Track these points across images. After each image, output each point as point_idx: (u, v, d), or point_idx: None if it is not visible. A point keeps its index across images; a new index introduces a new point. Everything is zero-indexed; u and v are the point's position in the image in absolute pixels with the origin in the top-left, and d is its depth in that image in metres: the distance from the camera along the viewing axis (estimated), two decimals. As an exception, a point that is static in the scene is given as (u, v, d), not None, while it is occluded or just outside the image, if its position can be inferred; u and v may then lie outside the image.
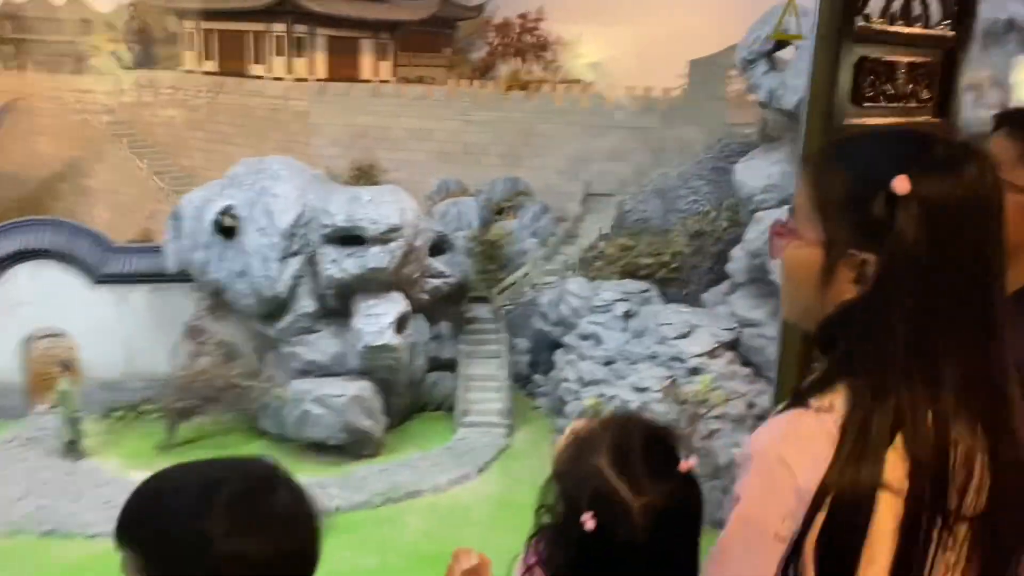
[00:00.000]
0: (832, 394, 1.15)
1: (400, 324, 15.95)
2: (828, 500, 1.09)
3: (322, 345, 16.20)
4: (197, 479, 1.20)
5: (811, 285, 1.22)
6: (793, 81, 17.70)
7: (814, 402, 1.15)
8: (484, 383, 18.07)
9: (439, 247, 17.71)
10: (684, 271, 19.87)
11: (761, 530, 1.13)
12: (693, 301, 18.96)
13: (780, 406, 1.23)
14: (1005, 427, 1.13)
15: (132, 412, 16.86)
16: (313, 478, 15.11)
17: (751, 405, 15.66)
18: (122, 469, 15.69)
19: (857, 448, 1.09)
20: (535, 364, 19.26)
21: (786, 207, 18.52)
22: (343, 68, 35.40)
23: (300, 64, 33.63)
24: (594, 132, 23.71)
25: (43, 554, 13.30)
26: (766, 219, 17.92)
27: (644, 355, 16.72)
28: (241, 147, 26.72)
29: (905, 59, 2.03)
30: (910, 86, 2.06)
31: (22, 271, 17.08)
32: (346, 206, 15.40)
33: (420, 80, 40.10)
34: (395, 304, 15.84)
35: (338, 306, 16.21)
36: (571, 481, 1.40)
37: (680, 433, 1.53)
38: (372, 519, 14.37)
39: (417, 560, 12.83)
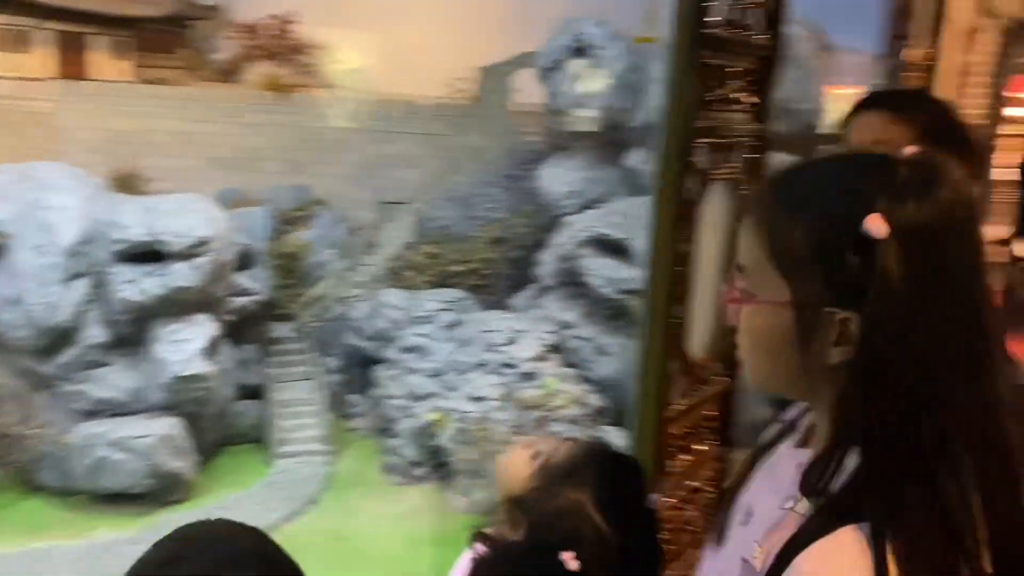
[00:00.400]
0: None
1: (210, 350, 14.19)
2: None
3: (115, 379, 14.00)
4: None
5: (785, 351, 1.05)
6: (592, 88, 18.21)
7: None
8: (298, 408, 16.65)
9: (242, 262, 16.06)
10: (491, 277, 19.71)
11: None
12: (500, 307, 18.84)
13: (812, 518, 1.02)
14: (1004, 479, 0.98)
15: None
16: (114, 534, 13.11)
17: (583, 405, 15.82)
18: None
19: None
20: (348, 383, 18.09)
21: (588, 211, 18.97)
22: (73, 66, 31.52)
23: (23, 60, 29.45)
24: (380, 138, 22.89)
25: None
26: (576, 223, 18.31)
27: (473, 364, 16.29)
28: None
29: (740, 66, 2.16)
30: (742, 92, 2.17)
31: None
32: (143, 217, 13.41)
33: (163, 81, 36.79)
34: (203, 328, 14.08)
35: (133, 333, 14.08)
36: (545, 514, 1.35)
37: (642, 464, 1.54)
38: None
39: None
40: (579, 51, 18.60)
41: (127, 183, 21.08)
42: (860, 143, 1.79)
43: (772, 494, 1.10)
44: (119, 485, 13.53)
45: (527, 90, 22.99)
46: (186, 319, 13.93)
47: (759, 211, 1.07)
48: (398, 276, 19.25)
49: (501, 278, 19.81)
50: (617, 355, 16.99)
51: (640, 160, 18.91)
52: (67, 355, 13.65)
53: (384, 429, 16.80)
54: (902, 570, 0.91)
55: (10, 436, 13.51)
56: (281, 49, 37.32)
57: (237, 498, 14.59)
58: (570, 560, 1.27)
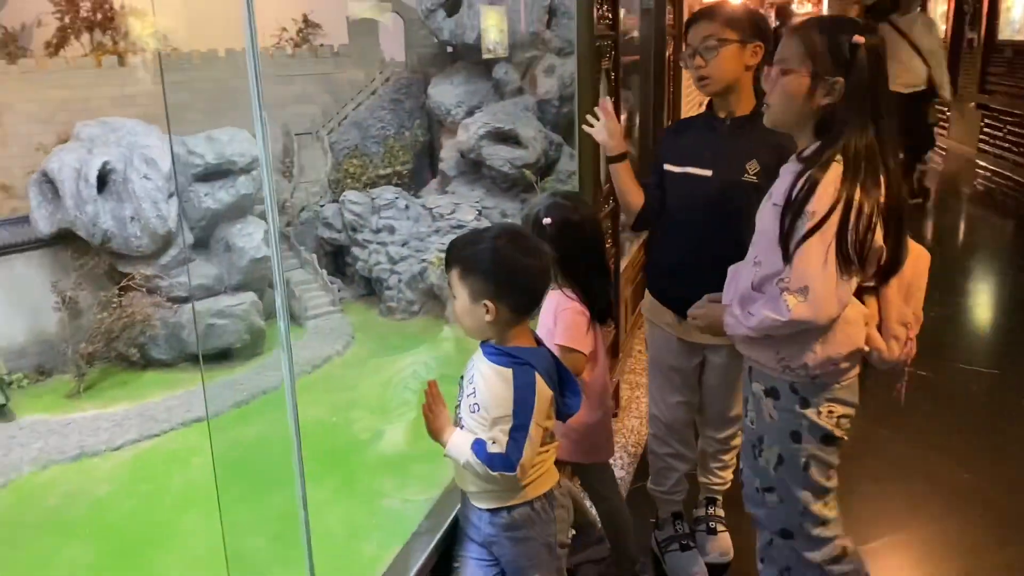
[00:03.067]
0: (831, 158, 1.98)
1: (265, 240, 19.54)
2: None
3: (202, 271, 19.00)
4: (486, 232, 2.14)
5: (800, 98, 2.05)
6: (470, 22, 24.74)
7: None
8: (307, 285, 22.22)
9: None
10: (407, 176, 25.98)
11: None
12: (419, 196, 25.21)
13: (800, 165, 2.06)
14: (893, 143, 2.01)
15: (29, 375, 17.67)
16: (229, 377, 18.45)
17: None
18: (55, 416, 16.91)
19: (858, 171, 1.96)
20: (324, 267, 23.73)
21: (477, 113, 25.78)
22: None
23: None
24: (279, 81, 27.78)
25: (72, 476, 14.75)
26: (471, 125, 24.91)
27: (430, 232, 22.71)
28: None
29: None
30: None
31: None
32: (210, 146, 18.41)
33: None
34: (259, 224, 19.40)
35: (204, 236, 19.12)
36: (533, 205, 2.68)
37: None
38: (314, 379, 18.33)
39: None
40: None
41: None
42: None
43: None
44: (225, 344, 18.72)
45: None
46: (246, 220, 19.18)
47: (802, 32, 2.05)
48: (340, 184, 24.89)
49: (414, 175, 26.14)
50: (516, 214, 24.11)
51: (503, 72, 25.74)
52: (166, 257, 18.44)
53: (368, 294, 22.79)
54: (852, 181, 1.94)
55: (135, 323, 18.24)
56: (100, 20, 39.36)
57: (298, 344, 20.18)
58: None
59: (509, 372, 2.07)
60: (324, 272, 22.76)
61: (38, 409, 17.15)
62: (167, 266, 18.56)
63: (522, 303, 2.12)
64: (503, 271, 2.07)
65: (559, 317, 2.57)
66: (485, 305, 2.07)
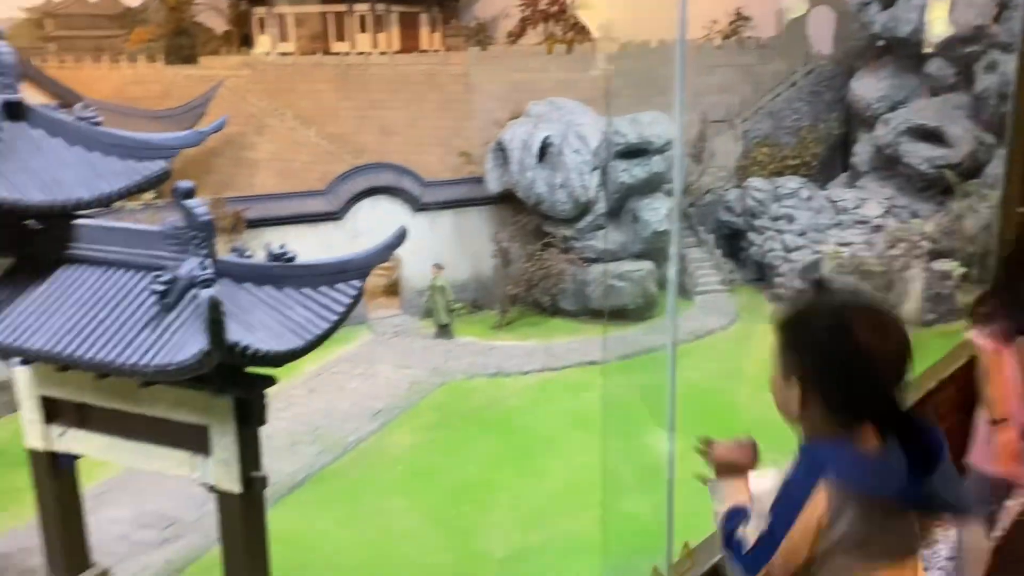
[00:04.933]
0: None
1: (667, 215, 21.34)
2: None
3: (611, 237, 21.41)
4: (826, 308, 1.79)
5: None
6: (905, 15, 23.98)
7: None
8: (700, 263, 23.68)
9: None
10: (816, 167, 26.05)
11: None
12: (825, 189, 25.07)
13: None
14: None
15: (467, 306, 21.66)
16: (621, 333, 20.47)
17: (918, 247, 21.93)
18: (482, 341, 20.57)
19: None
20: (720, 248, 24.99)
21: (900, 108, 24.81)
22: (408, 40, 39.83)
23: (380, 39, 37.88)
24: (702, 71, 29.41)
25: (490, 387, 17.96)
26: (892, 120, 24.20)
27: (830, 224, 22.76)
28: (397, 110, 31.01)
29: None
30: None
31: (363, 205, 21.41)
32: (633, 127, 20.58)
33: (456, 48, 44.98)
34: (665, 201, 21.21)
35: (616, 207, 21.46)
36: None
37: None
38: (695, 347, 19.83)
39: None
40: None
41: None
42: None
43: None
44: (621, 303, 20.92)
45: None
46: (654, 196, 21.11)
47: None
48: (746, 171, 25.86)
49: (823, 167, 26.15)
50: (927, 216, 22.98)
51: (936, 67, 24.49)
52: (584, 222, 21.16)
53: (758, 279, 23.57)
54: None
55: (551, 276, 21.19)
56: (554, 12, 44.31)
57: (684, 314, 21.79)
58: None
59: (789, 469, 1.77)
60: (719, 252, 24.03)
61: (470, 333, 20.98)
62: (583, 230, 21.26)
63: (838, 399, 1.74)
64: (824, 352, 1.74)
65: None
66: (794, 385, 1.82)
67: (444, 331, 20.51)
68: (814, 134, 26.64)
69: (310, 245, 20.34)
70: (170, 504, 12.84)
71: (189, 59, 43.82)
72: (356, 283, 8.33)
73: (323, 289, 8.22)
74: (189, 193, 7.74)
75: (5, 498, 13.37)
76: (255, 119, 32.21)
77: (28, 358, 8.08)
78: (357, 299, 8.34)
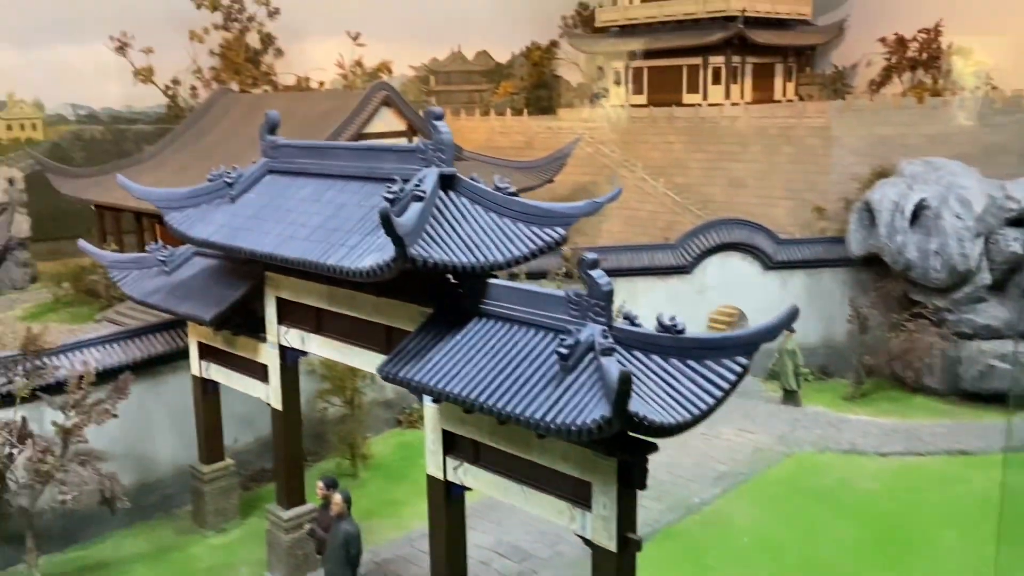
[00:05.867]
0: None
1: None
2: None
3: (993, 311, 19.19)
4: None
5: None
6: None
7: None
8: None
9: None
10: None
11: None
12: None
13: None
14: None
15: (815, 372, 20.67)
16: (1003, 420, 18.08)
17: None
18: (833, 412, 19.44)
19: None
20: None
21: None
22: (762, 91, 39.27)
23: (733, 91, 37.73)
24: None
25: (843, 465, 16.85)
26: None
27: None
28: (748, 163, 30.68)
29: None
30: None
31: (713, 260, 21.45)
32: (1026, 193, 18.34)
33: (810, 97, 43.45)
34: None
35: (1001, 279, 19.18)
36: None
37: None
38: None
39: None
40: None
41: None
42: None
43: None
44: (1002, 387, 18.61)
45: None
46: (1048, 267, 18.56)
47: None
48: None
49: None
50: None
51: None
52: (960, 293, 19.22)
53: None
54: None
55: (916, 349, 19.38)
56: (924, 59, 41.05)
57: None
58: None
59: None
60: None
61: (819, 402, 19.96)
62: (958, 301, 19.34)
63: None
64: None
65: None
66: None
67: (791, 397, 19.72)
68: None
69: (658, 298, 20.85)
70: (526, 538, 13.69)
71: (547, 110, 47.20)
72: (742, 360, 8.31)
73: (708, 363, 8.33)
74: (594, 264, 8.30)
75: (387, 509, 15.17)
76: (607, 169, 33.70)
77: (440, 398, 9.12)
78: (742, 376, 8.32)
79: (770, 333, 8.54)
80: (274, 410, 12.92)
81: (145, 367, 14.56)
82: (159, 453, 15.09)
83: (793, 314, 8.50)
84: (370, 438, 17.51)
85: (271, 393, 12.85)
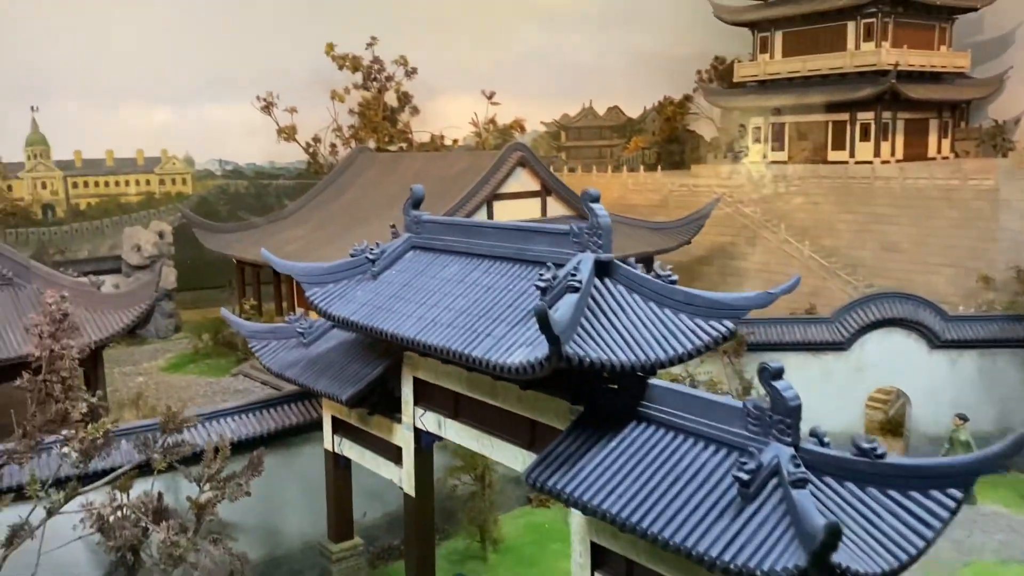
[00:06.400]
0: None
1: None
2: None
3: None
4: None
5: None
6: None
7: None
8: None
9: None
10: None
11: None
12: None
13: None
14: None
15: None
16: None
17: None
18: (1015, 514, 17.27)
19: None
20: None
21: None
22: (914, 147, 36.91)
23: (883, 147, 35.60)
24: None
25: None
26: None
27: None
28: (903, 225, 28.59)
29: None
30: None
31: (872, 337, 19.70)
32: None
33: (966, 154, 40.59)
34: None
35: None
36: None
37: None
38: None
39: None
40: None
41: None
42: None
43: None
44: None
45: None
46: None
47: None
48: None
49: None
50: None
51: None
52: None
53: None
54: None
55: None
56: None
57: None
58: None
59: None
60: None
61: (997, 500, 17.79)
62: None
63: None
64: None
65: None
66: None
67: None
68: None
69: (811, 376, 19.25)
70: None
71: (678, 164, 46.11)
72: (955, 493, 7.05)
73: (913, 495, 7.09)
74: (778, 374, 7.26)
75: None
76: (747, 229, 32.18)
77: (594, 514, 8.18)
78: (955, 513, 7.05)
79: (991, 462, 7.25)
80: (407, 495, 12.30)
81: (278, 438, 14.30)
82: (288, 526, 14.73)
83: (1021, 442, 7.17)
84: (499, 515, 16.69)
85: (404, 477, 12.26)
